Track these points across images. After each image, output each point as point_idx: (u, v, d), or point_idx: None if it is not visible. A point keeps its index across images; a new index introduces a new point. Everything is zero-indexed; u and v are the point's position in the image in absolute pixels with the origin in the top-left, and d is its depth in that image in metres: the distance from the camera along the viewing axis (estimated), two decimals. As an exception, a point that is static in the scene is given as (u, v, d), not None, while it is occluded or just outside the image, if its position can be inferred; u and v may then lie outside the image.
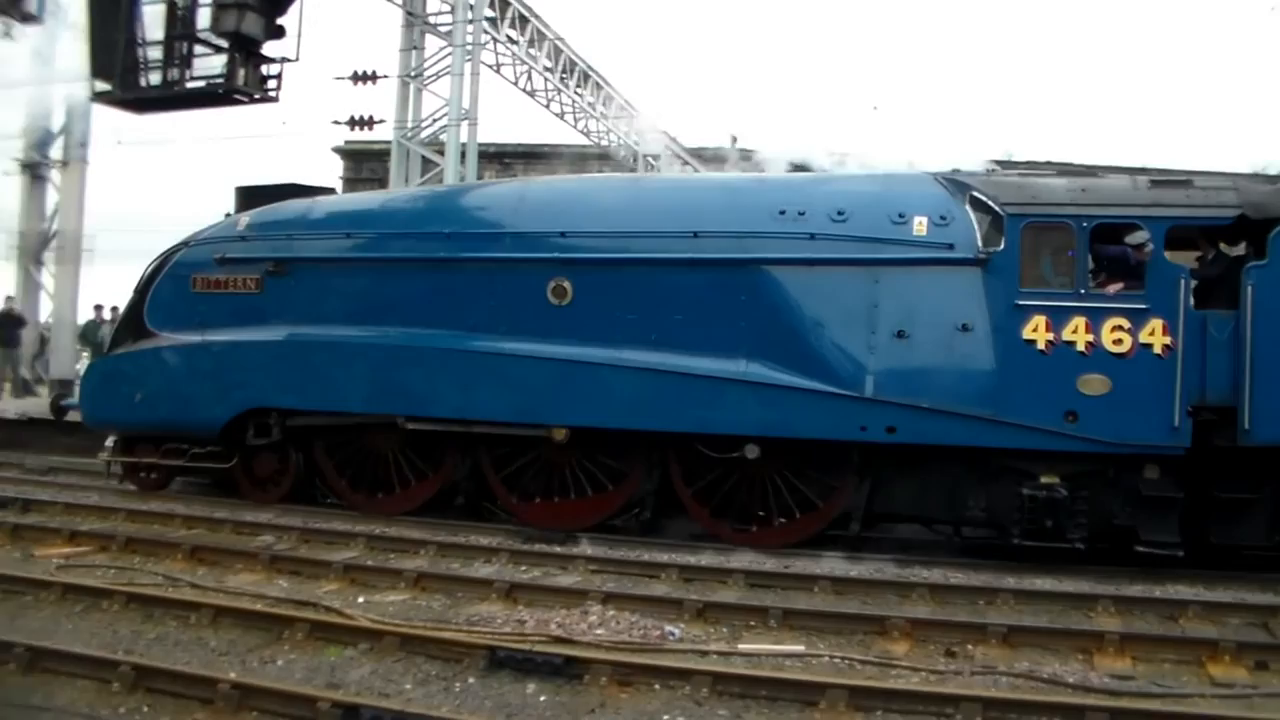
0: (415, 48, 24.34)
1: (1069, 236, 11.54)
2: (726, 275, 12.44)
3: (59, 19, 21.99)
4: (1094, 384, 11.25)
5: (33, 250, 26.41)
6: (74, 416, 16.87)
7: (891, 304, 11.90)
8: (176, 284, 15.02)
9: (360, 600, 10.18)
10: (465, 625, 9.22)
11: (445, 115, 23.73)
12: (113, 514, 13.93)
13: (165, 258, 15.28)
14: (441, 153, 23.80)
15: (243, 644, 8.65)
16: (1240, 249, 11.89)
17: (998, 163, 14.13)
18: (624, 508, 13.55)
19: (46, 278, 26.66)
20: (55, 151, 26.29)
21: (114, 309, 25.27)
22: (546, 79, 28.13)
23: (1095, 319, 11.30)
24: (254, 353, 14.32)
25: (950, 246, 11.83)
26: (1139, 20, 68.62)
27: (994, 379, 11.55)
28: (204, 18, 19.71)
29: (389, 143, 24.98)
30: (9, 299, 26.09)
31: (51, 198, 26.59)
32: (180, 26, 19.87)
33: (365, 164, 38.72)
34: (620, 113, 31.89)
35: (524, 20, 26.29)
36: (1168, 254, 11.45)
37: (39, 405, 22.16)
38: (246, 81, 19.99)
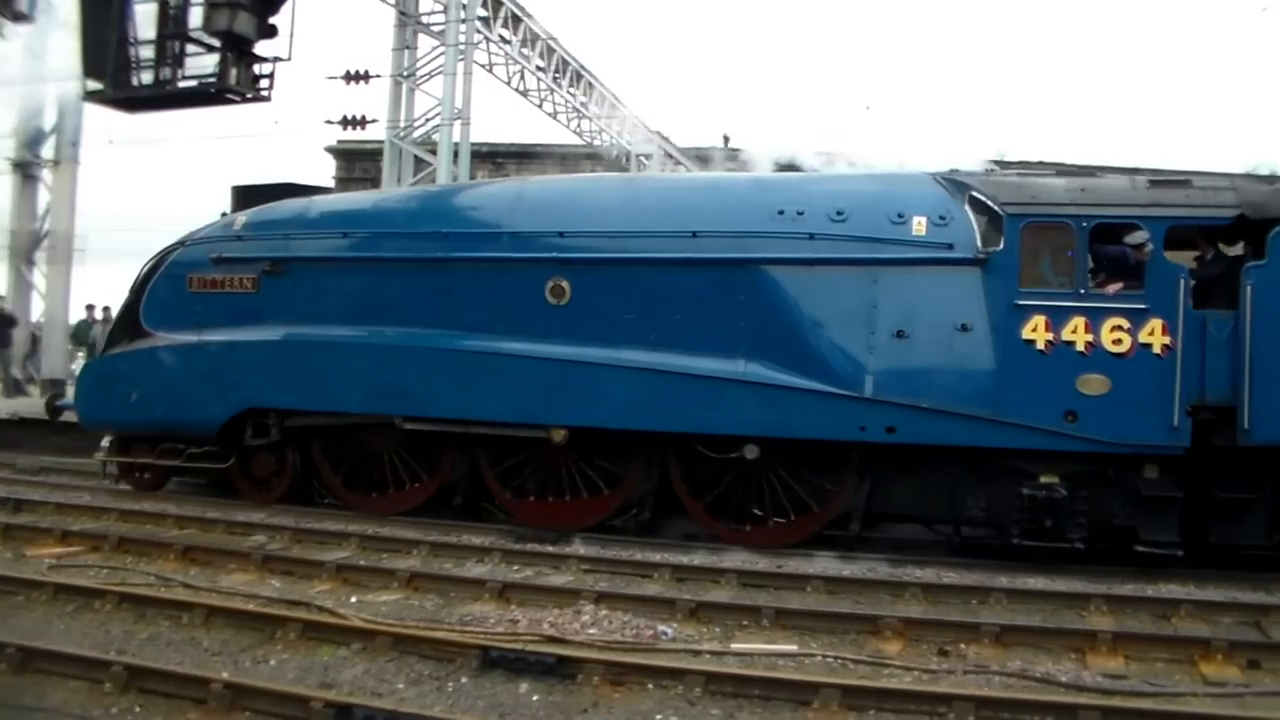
0: (408, 47, 24.31)
1: (1068, 236, 11.55)
2: (725, 275, 12.43)
3: (50, 18, 21.99)
4: (1093, 384, 11.26)
5: (24, 250, 26.37)
6: (69, 417, 16.81)
7: (891, 304, 11.90)
8: (172, 284, 14.98)
9: (353, 600, 10.17)
10: (458, 625, 9.22)
11: (438, 115, 23.71)
12: (105, 514, 13.90)
13: (161, 257, 15.23)
14: (434, 152, 23.78)
15: (235, 644, 8.63)
16: (1238, 249, 11.91)
17: (995, 163, 14.13)
18: (623, 508, 13.53)
19: (38, 277, 26.63)
20: (47, 151, 26.26)
21: (105, 309, 25.25)
22: (539, 79, 28.15)
23: (1095, 319, 11.32)
24: (251, 353, 14.28)
25: (950, 246, 11.84)
26: (1129, 20, 68.73)
27: (993, 379, 11.56)
28: (196, 17, 19.67)
29: (381, 142, 24.97)
30: (0, 299, 26.04)
31: (43, 197, 26.56)
32: (172, 25, 19.84)
33: (358, 163, 38.77)
34: (612, 112, 31.89)
35: (516, 20, 26.29)
36: (1166, 254, 11.46)
37: (30, 405, 22.12)
38: (239, 81, 19.97)
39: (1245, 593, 10.72)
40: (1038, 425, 11.36)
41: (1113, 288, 11.54)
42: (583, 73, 29.82)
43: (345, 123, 24.84)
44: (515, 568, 11.65)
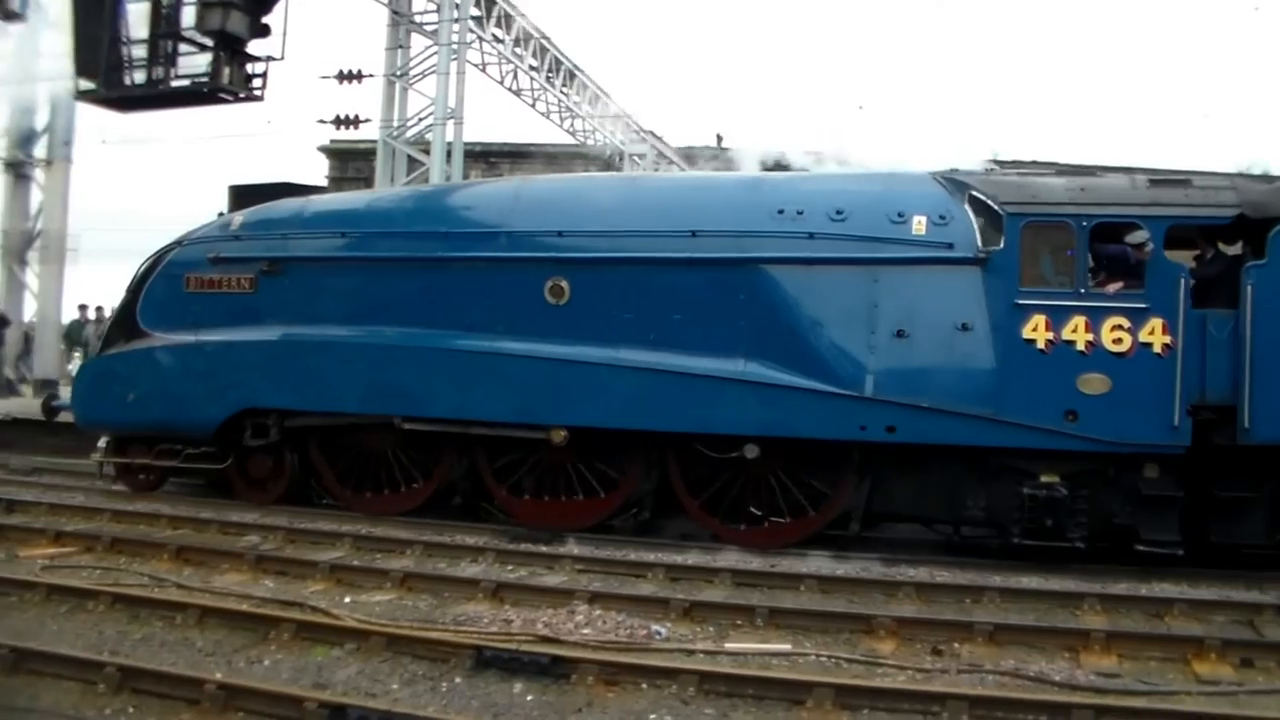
0: (401, 47, 24.31)
1: (1069, 236, 11.55)
2: (725, 274, 12.42)
3: (42, 17, 21.96)
4: (1094, 383, 11.27)
5: (17, 250, 26.37)
6: (66, 417, 16.78)
7: (891, 303, 11.90)
8: (169, 284, 14.94)
9: (347, 600, 10.16)
10: (452, 625, 9.21)
11: (431, 114, 23.70)
12: (98, 514, 13.88)
13: (158, 257, 15.19)
14: (427, 152, 23.77)
15: (229, 644, 8.62)
16: (1236, 248, 11.92)
17: (995, 162, 14.14)
18: (622, 508, 13.51)
19: (31, 277, 26.62)
20: (39, 150, 26.24)
21: (98, 309, 25.28)
22: (532, 78, 28.12)
23: (1095, 318, 11.33)
24: (248, 353, 14.25)
25: (950, 246, 11.84)
26: (1120, 18, 68.79)
27: (994, 378, 11.56)
28: (189, 16, 19.64)
29: (375, 142, 24.95)
30: (-8, 299, 26.04)
31: (35, 197, 26.55)
32: (165, 25, 19.80)
33: (351, 163, 38.71)
34: (605, 112, 31.88)
35: (509, 19, 26.27)
36: (1165, 253, 11.47)
37: (23, 405, 22.09)
38: (231, 80, 19.94)
39: (1238, 591, 10.74)
40: (1038, 425, 11.37)
41: (1113, 287, 11.55)
42: (576, 72, 29.80)
43: (338, 122, 24.83)
44: (509, 568, 11.65)
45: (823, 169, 14.13)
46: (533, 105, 28.87)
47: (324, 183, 37.51)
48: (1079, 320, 11.35)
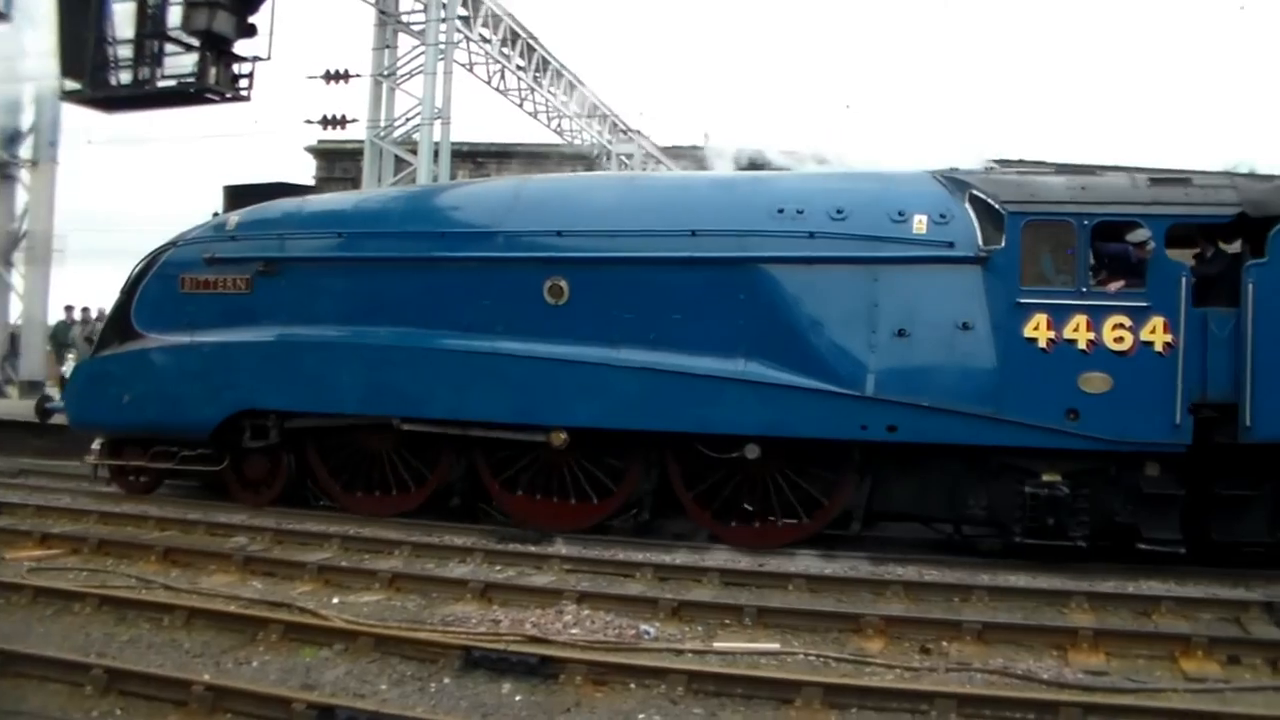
0: (388, 47, 24.28)
1: (1070, 234, 11.55)
2: (725, 274, 12.39)
3: (27, 16, 21.91)
4: (1095, 382, 11.28)
5: (2, 251, 26.32)
6: (59, 419, 16.71)
7: (892, 302, 11.89)
8: (164, 284, 14.87)
9: (335, 601, 10.14)
10: (440, 625, 9.20)
11: (418, 114, 23.69)
12: (85, 516, 13.84)
13: (153, 258, 15.12)
14: (414, 152, 23.75)
15: (217, 646, 8.61)
16: (1235, 246, 11.94)
17: (995, 161, 14.15)
18: (622, 508, 13.48)
19: (16, 278, 26.55)
20: (24, 151, 26.17)
21: (84, 310, 25.20)
22: (519, 78, 28.11)
23: (1096, 317, 11.33)
24: (245, 353, 14.19)
25: (950, 245, 11.84)
26: (1104, 18, 68.95)
27: (995, 377, 11.55)
28: (175, 16, 19.57)
29: (362, 142, 24.93)
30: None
31: (21, 197, 26.49)
32: (151, 25, 19.72)
33: (338, 163, 38.68)
34: (592, 111, 31.87)
35: (497, 19, 26.26)
36: (1166, 252, 11.48)
37: (9, 407, 22.04)
38: (218, 80, 19.87)
39: (1225, 589, 10.76)
40: (1039, 423, 11.37)
41: (1114, 286, 11.55)
42: (563, 72, 29.80)
43: (325, 122, 24.79)
44: (497, 568, 11.64)
45: (802, 169, 14.13)
46: (520, 105, 28.88)
47: (311, 183, 37.45)
48: (1080, 319, 11.36)
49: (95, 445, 15.59)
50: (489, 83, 27.22)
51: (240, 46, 20.03)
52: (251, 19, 19.83)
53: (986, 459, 11.85)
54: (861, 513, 12.59)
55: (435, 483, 14.02)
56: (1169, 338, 11.16)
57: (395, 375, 13.45)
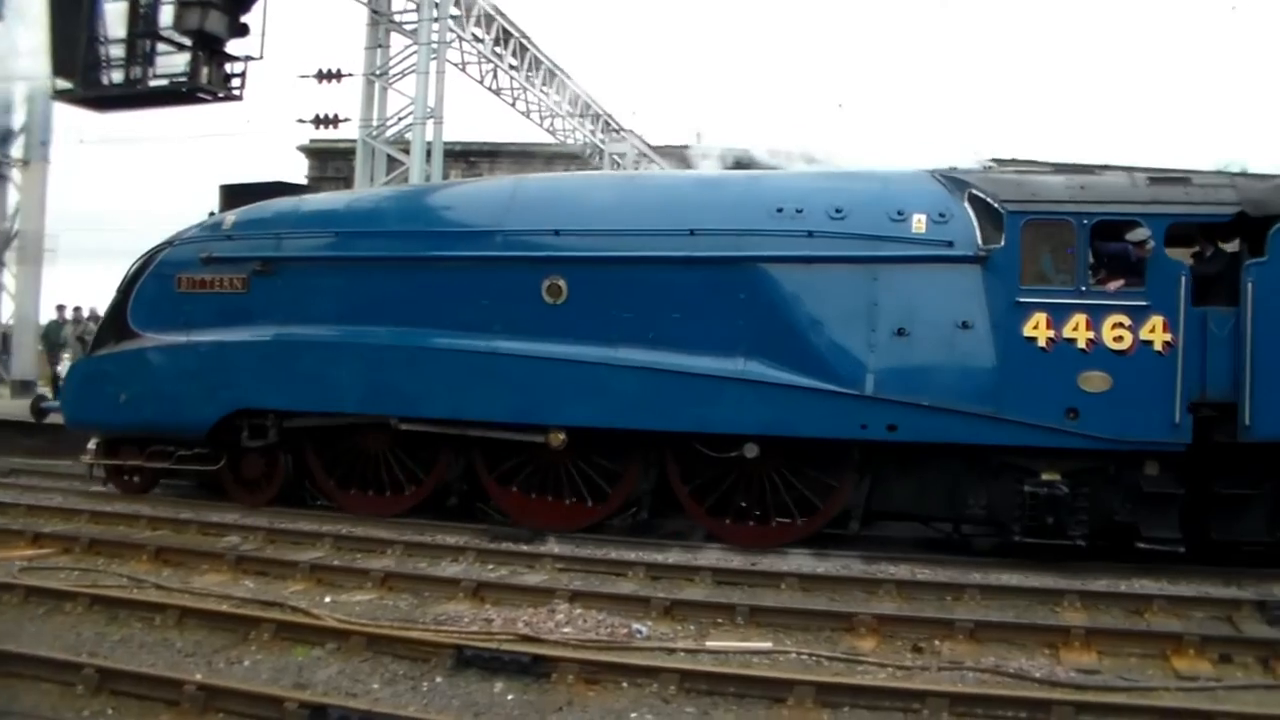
0: (380, 46, 24.22)
1: (1069, 233, 11.55)
2: (724, 273, 12.37)
3: (19, 15, 21.87)
4: (1095, 381, 11.28)
5: (-7, 250, 26.25)
6: (55, 419, 16.67)
7: (891, 302, 11.88)
8: (160, 284, 14.82)
9: (327, 600, 10.14)
10: (432, 624, 9.20)
11: (410, 114, 23.64)
12: (76, 516, 13.81)
13: (149, 257, 15.08)
14: (407, 151, 23.70)
15: (208, 645, 8.60)
16: (1234, 245, 11.95)
17: (994, 160, 14.16)
18: (621, 508, 13.46)
19: (8, 278, 26.51)
20: (16, 150, 26.12)
21: (76, 309, 25.16)
22: (512, 77, 28.07)
23: (1096, 316, 11.33)
24: (242, 353, 14.14)
25: (950, 244, 11.84)
26: (1095, 18, 69.06)
27: (995, 376, 11.55)
28: (167, 15, 19.58)
29: (354, 141, 24.86)
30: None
31: (12, 197, 26.43)
32: (143, 24, 19.74)
33: (330, 162, 38.65)
34: (586, 111, 31.86)
35: (489, 19, 26.23)
36: (1165, 251, 11.49)
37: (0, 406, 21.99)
38: (210, 80, 19.89)
39: (1217, 588, 10.79)
40: (1039, 423, 11.38)
41: (1114, 285, 11.55)
42: (555, 71, 29.77)
43: (318, 121, 24.77)
44: (490, 567, 11.64)
45: (789, 168, 14.14)
46: (512, 104, 28.83)
47: (304, 183, 37.44)
48: (1080, 318, 11.36)
49: (91, 445, 15.54)
50: (481, 82, 27.18)
51: (232, 46, 20.10)
52: (244, 18, 19.88)
53: (986, 458, 11.85)
54: (861, 512, 12.59)
55: (433, 482, 13.98)
56: (1168, 337, 11.17)
57: (393, 375, 13.42)
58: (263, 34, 20.01)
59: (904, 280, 11.93)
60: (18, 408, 20.99)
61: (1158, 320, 11.21)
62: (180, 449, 14.84)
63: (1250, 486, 11.36)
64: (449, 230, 13.69)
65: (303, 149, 39.93)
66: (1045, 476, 11.56)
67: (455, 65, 25.57)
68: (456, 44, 25.30)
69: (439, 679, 7.86)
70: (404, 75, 24.06)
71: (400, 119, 24.10)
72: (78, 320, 24.94)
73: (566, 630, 8.98)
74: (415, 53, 23.60)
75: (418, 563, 11.82)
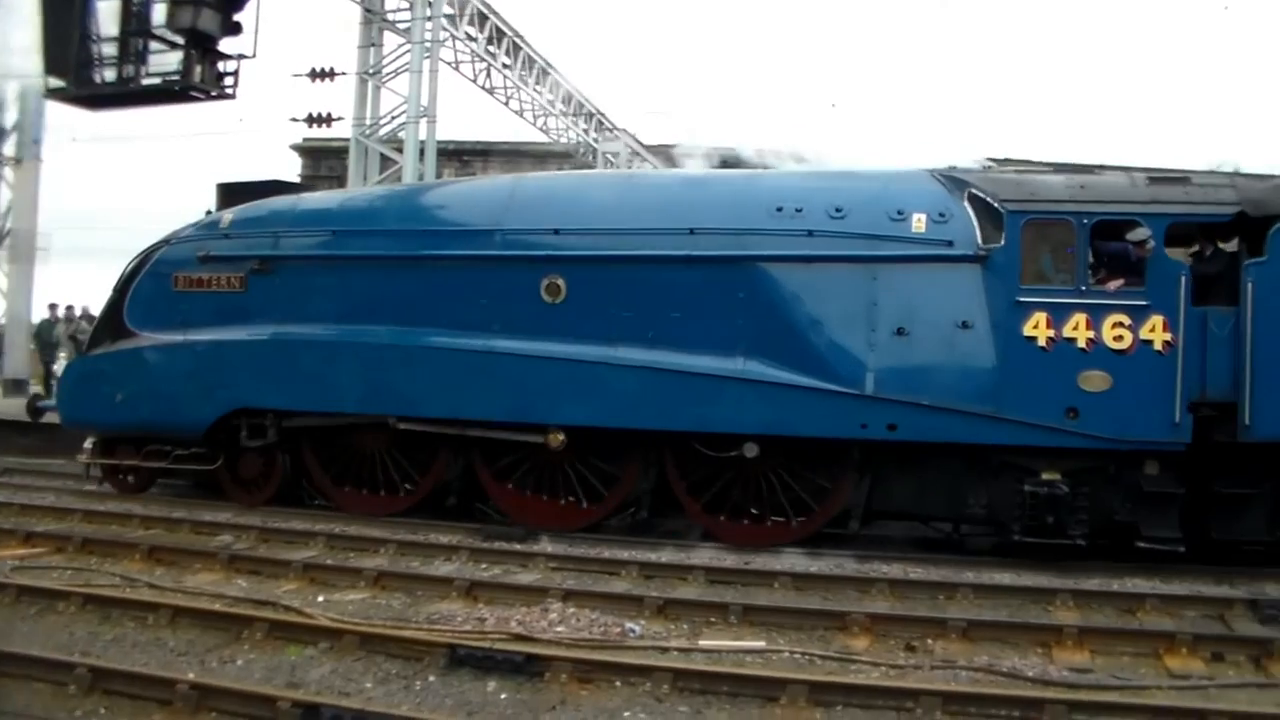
0: (374, 45, 24.18)
1: (1069, 233, 11.56)
2: (724, 272, 12.36)
3: (10, 13, 21.80)
4: (1095, 380, 11.29)
5: (-14, 249, 26.19)
6: (51, 418, 16.63)
7: (891, 301, 11.88)
8: (157, 282, 14.78)
9: (320, 599, 10.13)
10: (425, 624, 9.20)
11: (404, 112, 23.61)
12: (69, 515, 13.80)
13: (145, 256, 15.04)
14: (400, 150, 23.68)
15: (201, 644, 8.59)
16: (1233, 245, 11.92)
17: (993, 160, 14.17)
18: (620, 507, 13.45)
19: (0, 277, 26.42)
20: (8, 148, 26.07)
21: (68, 308, 25.11)
22: (505, 76, 28.06)
23: (1096, 315, 11.34)
24: (239, 352, 14.10)
25: (949, 244, 11.84)
26: (1086, 18, 69.08)
27: (995, 376, 11.56)
28: (159, 13, 19.53)
29: (347, 140, 24.85)
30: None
31: (4, 195, 26.38)
32: (135, 22, 19.70)
33: (324, 161, 38.64)
34: (579, 109, 31.86)
35: (483, 18, 26.21)
36: (1165, 250, 11.50)
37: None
38: (203, 78, 19.85)
39: (1209, 586, 10.81)
40: (1039, 422, 11.39)
41: (1114, 284, 11.56)
42: (549, 70, 29.76)
43: (311, 120, 24.71)
44: (483, 566, 11.64)
45: (778, 167, 14.14)
46: (505, 103, 28.83)
47: (296, 181, 37.40)
48: (1080, 318, 11.37)
49: (87, 444, 15.48)
50: (475, 81, 27.18)
51: (225, 44, 20.04)
52: (236, 17, 19.81)
53: (986, 457, 11.86)
54: (860, 511, 12.59)
55: (432, 482, 13.95)
56: (1168, 336, 11.19)
57: (391, 374, 13.40)
58: (255, 32, 19.99)
59: (904, 280, 11.93)
60: (9, 407, 20.97)
61: (1158, 320, 11.23)
62: (177, 448, 14.80)
63: (1250, 486, 11.38)
64: (447, 229, 13.67)
65: (296, 148, 39.90)
66: (1045, 476, 11.58)
67: (448, 64, 25.59)
68: (450, 43, 25.30)
69: (432, 678, 7.85)
70: (397, 74, 24.03)
71: (393, 118, 24.07)
72: (70, 319, 24.89)
73: (560, 629, 8.97)
74: (408, 51, 23.57)
75: (411, 562, 11.82)
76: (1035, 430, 11.42)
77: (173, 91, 20.02)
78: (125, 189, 69.49)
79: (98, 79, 19.94)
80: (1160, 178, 12.00)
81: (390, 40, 24.14)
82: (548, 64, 29.52)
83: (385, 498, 14.14)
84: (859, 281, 12.00)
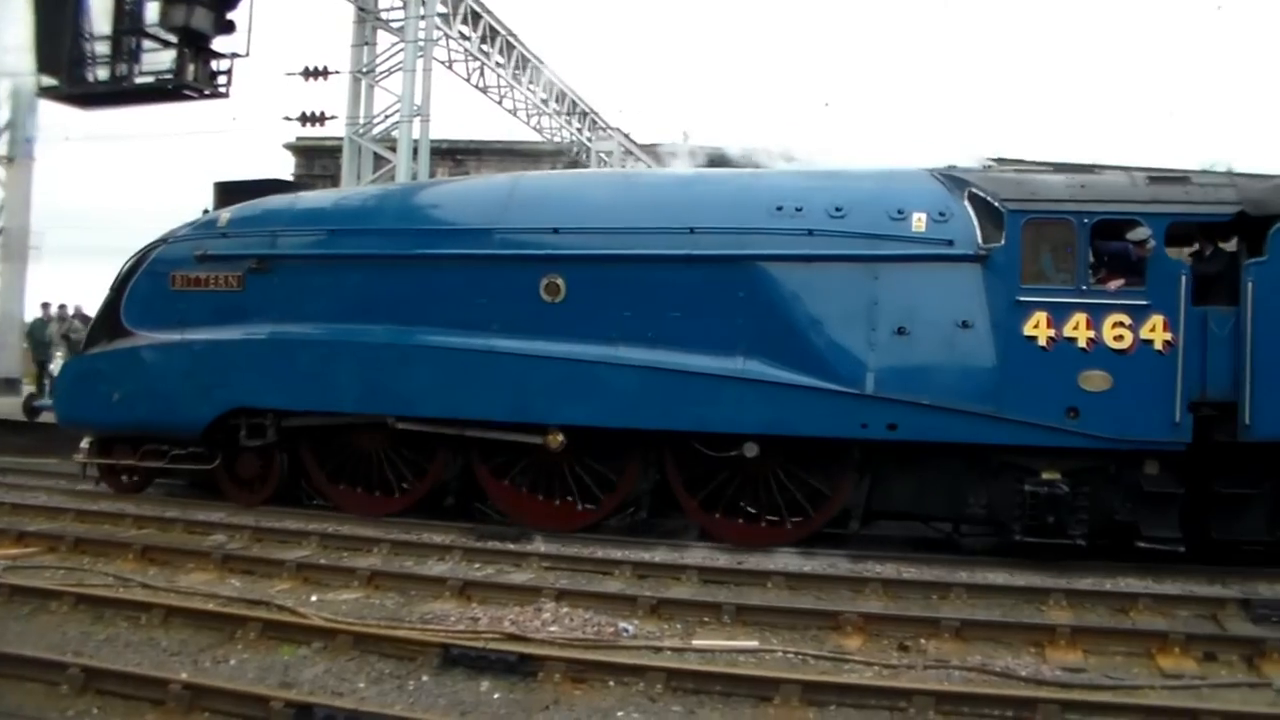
0: (367, 44, 24.17)
1: (1069, 232, 11.57)
2: (724, 272, 12.35)
3: (3, 12, 21.76)
4: (1095, 380, 11.30)
5: (-21, 248, 26.16)
6: (48, 417, 16.59)
7: (891, 301, 11.88)
8: (154, 281, 14.75)
9: (313, 599, 10.11)
10: (419, 623, 9.19)
11: (397, 111, 23.60)
12: (62, 514, 13.78)
13: (142, 254, 15.00)
14: (394, 149, 23.66)
15: (194, 644, 8.57)
16: (1232, 245, 11.94)
17: (994, 160, 14.18)
18: (619, 507, 13.44)
19: (-8, 276, 26.41)
20: (1, 146, 26.03)
21: (61, 307, 25.09)
22: (499, 75, 28.05)
23: (1096, 315, 11.35)
24: (237, 352, 14.07)
25: (950, 243, 11.85)
26: (1078, 18, 69.17)
27: (995, 375, 11.56)
28: (152, 12, 19.50)
29: (341, 139, 24.82)
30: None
31: (-3, 194, 26.35)
32: (128, 21, 19.65)
33: (317, 160, 38.60)
34: (573, 109, 31.85)
35: (476, 16, 26.19)
36: (1165, 250, 11.51)
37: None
38: (196, 77, 19.81)
39: (1202, 586, 10.82)
40: (1039, 422, 11.39)
41: (1114, 284, 11.58)
42: (542, 69, 29.74)
43: (304, 119, 24.71)
44: (476, 566, 11.63)
45: (769, 167, 14.16)
46: (499, 102, 28.81)
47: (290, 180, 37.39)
48: (1080, 317, 11.38)
49: (84, 444, 15.44)
50: (468, 80, 27.16)
51: (218, 43, 20.00)
52: (230, 15, 19.78)
53: (986, 457, 11.87)
54: (860, 511, 12.60)
55: (430, 482, 13.93)
56: (1169, 336, 11.20)
57: (389, 374, 13.37)
58: (249, 31, 19.97)
59: (904, 279, 11.94)
60: (2, 406, 20.93)
61: (1158, 319, 11.24)
62: (174, 448, 14.77)
63: (1250, 486, 11.40)
64: (446, 228, 13.66)
65: (289, 146, 39.90)
66: (1045, 476, 11.59)
67: (442, 63, 25.56)
68: (443, 42, 25.27)
69: (425, 678, 7.84)
70: (391, 73, 24.04)
71: (387, 116, 24.06)
72: (63, 318, 24.87)
73: (553, 629, 8.97)
74: (402, 50, 23.56)
75: (404, 561, 11.80)
76: (1035, 430, 11.42)
77: (166, 90, 19.99)
78: (118, 188, 69.43)
79: (90, 77, 19.90)
80: (1160, 177, 12.02)
81: (384, 39, 24.16)
82: (540, 63, 29.50)
83: (384, 498, 14.11)
84: (859, 281, 12.01)
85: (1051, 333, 11.42)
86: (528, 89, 29.40)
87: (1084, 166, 14.53)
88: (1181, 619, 9.79)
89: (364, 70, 24.10)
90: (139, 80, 19.89)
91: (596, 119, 33.08)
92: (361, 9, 23.88)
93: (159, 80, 19.81)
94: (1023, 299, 11.52)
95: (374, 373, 13.43)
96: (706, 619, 9.57)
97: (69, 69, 19.66)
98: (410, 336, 13.33)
